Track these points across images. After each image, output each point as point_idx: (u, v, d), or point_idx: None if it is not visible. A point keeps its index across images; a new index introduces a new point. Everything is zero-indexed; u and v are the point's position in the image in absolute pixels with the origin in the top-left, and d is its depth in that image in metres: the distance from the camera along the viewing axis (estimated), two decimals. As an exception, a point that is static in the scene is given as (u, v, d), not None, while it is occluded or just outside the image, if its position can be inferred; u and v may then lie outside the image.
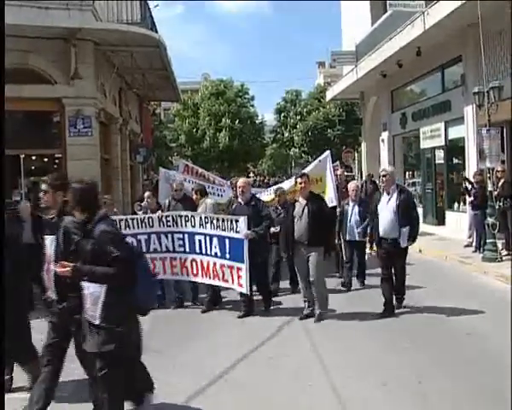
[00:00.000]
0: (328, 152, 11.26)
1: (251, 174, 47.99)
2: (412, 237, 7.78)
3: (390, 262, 7.91)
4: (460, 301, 8.79)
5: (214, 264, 8.21)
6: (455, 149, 16.63)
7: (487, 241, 11.71)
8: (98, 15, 13.20)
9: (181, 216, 8.54)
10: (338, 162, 13.41)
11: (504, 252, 11.70)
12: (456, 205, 16.28)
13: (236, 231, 7.83)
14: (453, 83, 16.31)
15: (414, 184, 20.53)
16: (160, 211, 8.93)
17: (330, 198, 10.43)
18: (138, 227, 8.66)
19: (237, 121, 38.84)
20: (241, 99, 41.03)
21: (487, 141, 11.71)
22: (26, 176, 13.13)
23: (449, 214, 16.55)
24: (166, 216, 8.64)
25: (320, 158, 11.33)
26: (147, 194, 9.93)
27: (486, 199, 11.86)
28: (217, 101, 39.69)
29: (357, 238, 9.74)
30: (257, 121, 42.26)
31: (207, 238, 8.28)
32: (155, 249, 8.65)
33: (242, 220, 7.78)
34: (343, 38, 27.85)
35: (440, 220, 17.07)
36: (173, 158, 43.10)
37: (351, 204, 9.93)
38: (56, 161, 14.05)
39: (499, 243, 11.72)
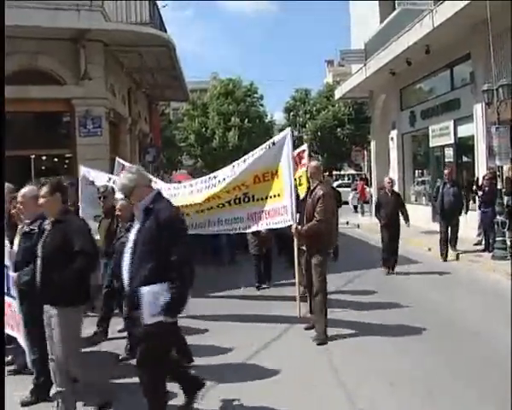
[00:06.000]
0: (287, 130, 7.80)
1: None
2: (173, 308, 4.01)
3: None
4: (469, 299, 8.80)
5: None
6: (464, 147, 16.57)
7: (497, 239, 11.67)
8: (107, 16, 13.28)
9: None
10: (306, 146, 9.80)
11: (514, 250, 11.59)
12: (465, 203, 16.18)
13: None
14: (462, 81, 16.25)
15: (423, 182, 20.50)
16: None
17: (284, 207, 7.41)
18: None
19: (246, 120, 38.92)
20: (250, 98, 41.09)
21: (497, 139, 11.67)
22: (36, 176, 13.21)
23: (458, 213, 16.43)
24: None
25: (274, 139, 7.79)
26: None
27: (496, 197, 11.82)
28: (226, 100, 39.78)
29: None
30: (266, 120, 42.33)
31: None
32: None
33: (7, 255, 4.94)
34: (352, 36, 27.75)
35: (450, 219, 16.95)
36: (182, 157, 43.28)
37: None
38: (66, 161, 14.14)
39: (509, 241, 11.66)
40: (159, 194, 4.31)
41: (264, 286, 10.21)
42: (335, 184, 26.14)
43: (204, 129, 40.20)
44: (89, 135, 12.99)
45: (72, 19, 12.33)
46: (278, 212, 7.48)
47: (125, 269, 4.18)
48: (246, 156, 7.77)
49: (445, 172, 13.16)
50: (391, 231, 11.23)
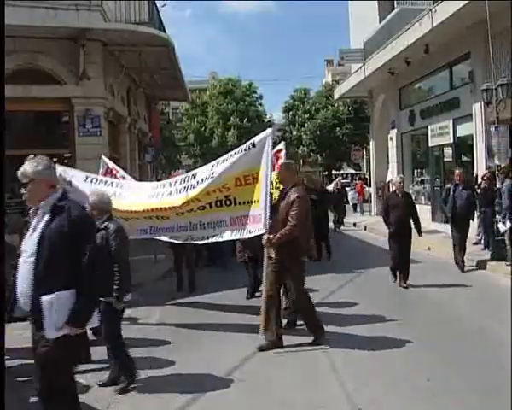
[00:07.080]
0: (268, 131, 7.04)
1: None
2: (82, 316, 3.60)
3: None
4: (468, 298, 8.80)
5: None
6: (463, 146, 16.58)
7: (496, 238, 11.66)
8: (106, 16, 13.28)
9: None
10: (283, 145, 9.13)
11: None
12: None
13: None
14: (461, 80, 16.25)
15: (422, 181, 20.51)
16: None
17: (260, 215, 6.80)
18: None
19: (245, 120, 38.98)
20: (250, 98, 41.13)
21: (496, 138, 11.69)
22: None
23: (458, 212, 16.41)
24: None
25: (255, 139, 7.00)
26: None
27: (495, 196, 11.81)
28: (225, 99, 39.85)
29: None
30: (265, 120, 42.35)
31: None
32: None
33: None
34: (351, 35, 27.82)
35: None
36: (182, 157, 43.30)
37: None
38: (66, 160, 14.11)
39: (508, 241, 11.64)
40: (65, 194, 3.83)
41: (257, 294, 9.34)
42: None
43: (203, 128, 40.27)
44: (88, 134, 12.98)
45: (72, 18, 12.35)
46: (255, 219, 6.92)
47: (21, 275, 3.58)
48: (225, 156, 7.22)
49: (456, 172, 11.76)
50: (401, 241, 9.87)
